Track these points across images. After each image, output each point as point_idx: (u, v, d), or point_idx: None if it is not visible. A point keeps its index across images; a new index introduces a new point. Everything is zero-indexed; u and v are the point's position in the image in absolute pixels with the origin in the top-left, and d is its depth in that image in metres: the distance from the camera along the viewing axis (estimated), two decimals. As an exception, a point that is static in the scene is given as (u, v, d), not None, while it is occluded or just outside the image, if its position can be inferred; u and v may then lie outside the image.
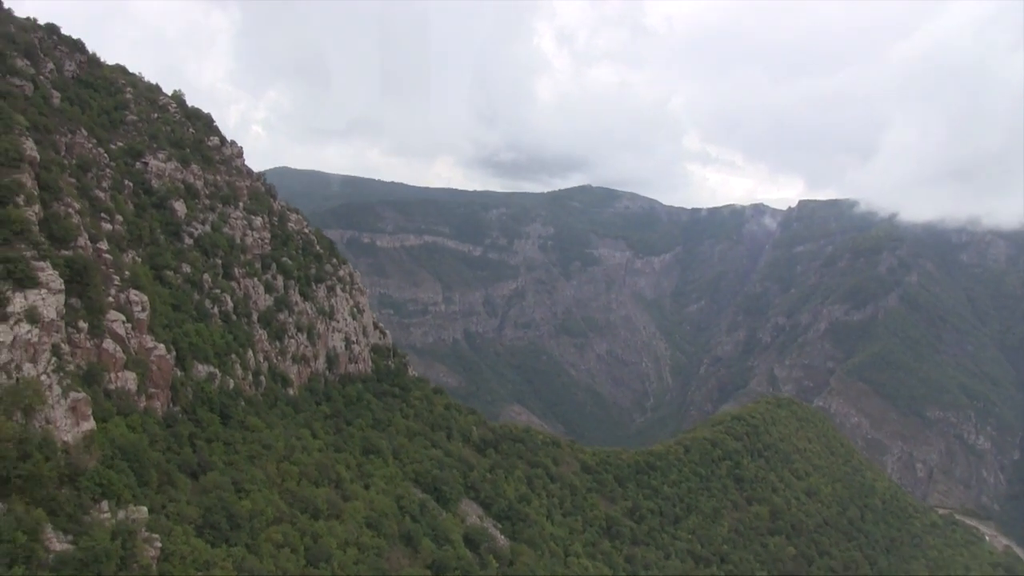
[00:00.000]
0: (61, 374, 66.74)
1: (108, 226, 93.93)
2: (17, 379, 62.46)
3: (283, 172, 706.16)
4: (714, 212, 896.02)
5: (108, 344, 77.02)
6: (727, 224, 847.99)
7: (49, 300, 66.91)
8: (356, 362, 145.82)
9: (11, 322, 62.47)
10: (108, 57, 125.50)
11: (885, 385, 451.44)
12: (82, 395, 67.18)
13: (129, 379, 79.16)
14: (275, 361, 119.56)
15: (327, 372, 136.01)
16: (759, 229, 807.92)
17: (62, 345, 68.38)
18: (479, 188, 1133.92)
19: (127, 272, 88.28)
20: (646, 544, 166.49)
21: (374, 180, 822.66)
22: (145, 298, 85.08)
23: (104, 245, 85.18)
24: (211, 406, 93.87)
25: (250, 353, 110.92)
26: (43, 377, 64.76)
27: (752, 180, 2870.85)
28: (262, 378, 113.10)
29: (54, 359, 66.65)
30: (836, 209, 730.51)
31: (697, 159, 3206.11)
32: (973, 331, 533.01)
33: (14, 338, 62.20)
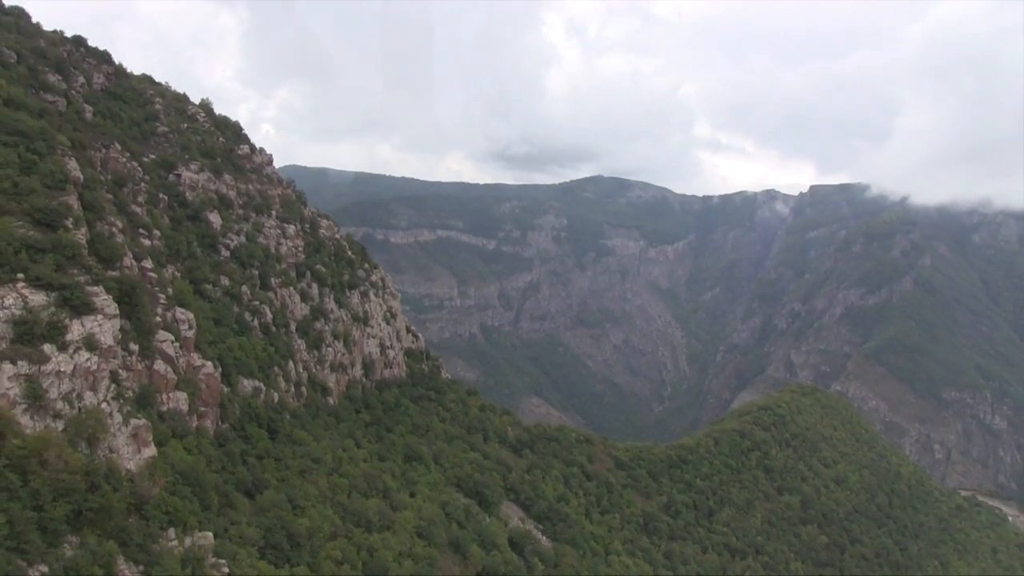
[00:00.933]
0: (121, 401, 65.95)
1: (147, 242, 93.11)
2: (79, 408, 61.68)
3: (294, 170, 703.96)
4: (726, 199, 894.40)
5: (159, 365, 76.22)
6: (739, 211, 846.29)
7: (105, 326, 66.01)
8: (391, 367, 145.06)
9: (70, 350, 61.55)
10: (115, 58, 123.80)
11: (902, 368, 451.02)
12: (142, 421, 66.40)
13: (180, 400, 78.39)
14: (314, 371, 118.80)
15: (364, 379, 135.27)
16: (771, 215, 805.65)
17: (120, 371, 67.53)
18: (490, 181, 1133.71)
19: (171, 289, 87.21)
20: (683, 539, 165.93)
21: (385, 176, 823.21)
22: (191, 316, 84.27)
23: (148, 263, 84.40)
24: (258, 421, 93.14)
25: (291, 364, 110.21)
26: (103, 405, 63.95)
27: (763, 166, 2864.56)
28: (303, 389, 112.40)
29: (113, 386, 65.83)
30: (848, 193, 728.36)
31: (708, 147, 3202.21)
32: (987, 312, 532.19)
33: (74, 367, 61.33)
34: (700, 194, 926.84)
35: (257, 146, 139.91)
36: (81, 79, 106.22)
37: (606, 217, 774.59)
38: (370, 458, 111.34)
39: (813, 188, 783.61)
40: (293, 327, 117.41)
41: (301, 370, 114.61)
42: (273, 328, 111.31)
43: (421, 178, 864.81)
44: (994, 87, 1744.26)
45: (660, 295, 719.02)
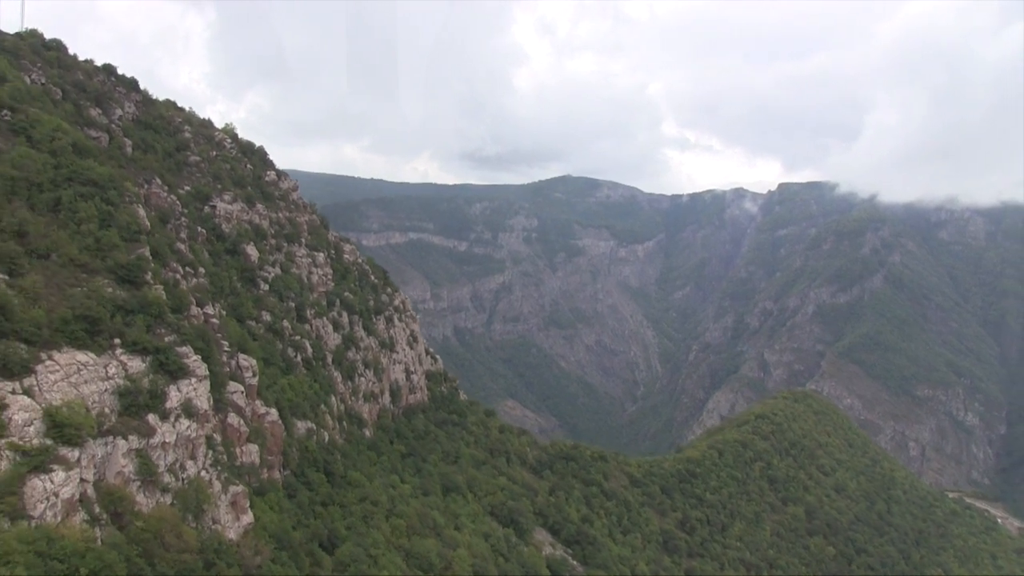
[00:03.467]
0: (219, 468, 64.03)
1: (194, 280, 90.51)
2: (183, 480, 59.72)
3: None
4: (695, 198, 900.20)
5: (232, 418, 74.17)
6: (708, 209, 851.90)
7: (200, 389, 64.15)
8: (415, 392, 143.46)
9: (172, 419, 59.76)
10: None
11: (875, 366, 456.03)
12: (240, 488, 64.61)
13: (253, 452, 76.44)
14: (350, 402, 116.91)
15: (392, 406, 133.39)
16: (741, 213, 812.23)
17: (214, 435, 65.50)
18: (457, 181, 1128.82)
19: (230, 334, 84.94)
20: (701, 556, 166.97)
21: (353, 178, 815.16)
22: (254, 362, 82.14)
23: (210, 309, 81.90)
24: (316, 464, 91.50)
25: (333, 399, 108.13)
26: (203, 473, 62.12)
27: (730, 163, 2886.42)
28: (343, 423, 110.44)
29: (210, 452, 63.95)
30: (817, 191, 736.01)
31: (675, 145, 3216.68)
32: (956, 308, 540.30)
33: (177, 436, 59.49)
34: (668, 192, 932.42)
35: (281, 171, 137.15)
36: (119, 111, 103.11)
37: (576, 217, 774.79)
38: (415, 493, 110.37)
39: (782, 186, 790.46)
40: (329, 359, 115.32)
41: (339, 403, 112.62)
42: (314, 362, 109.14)
43: (389, 179, 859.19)
44: (963, 86, 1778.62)
45: (631, 295, 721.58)
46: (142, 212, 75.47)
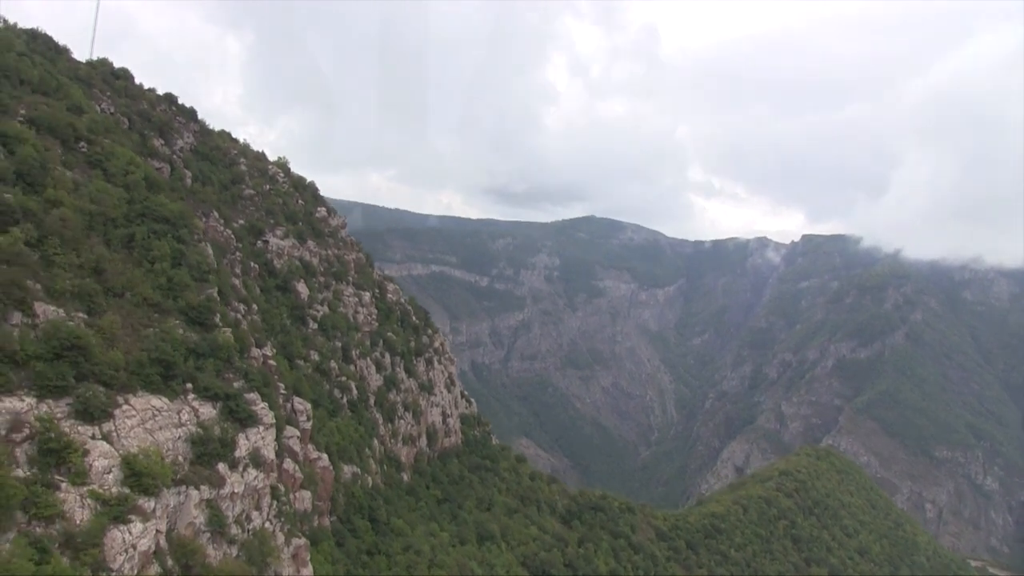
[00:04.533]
0: (282, 520, 63.02)
1: (249, 318, 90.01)
2: (248, 531, 58.73)
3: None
4: (718, 245, 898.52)
5: (288, 464, 73.12)
6: (731, 257, 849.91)
7: (267, 438, 63.42)
8: (450, 435, 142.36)
9: (240, 469, 58.93)
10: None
11: (893, 424, 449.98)
12: (303, 541, 63.58)
13: (306, 499, 75.44)
14: (389, 445, 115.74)
15: (428, 449, 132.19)
16: (763, 263, 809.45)
17: (278, 485, 64.56)
18: (480, 215, 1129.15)
19: (285, 376, 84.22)
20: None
21: (377, 207, 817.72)
22: (308, 406, 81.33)
23: (268, 351, 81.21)
24: (361, 510, 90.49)
25: (375, 442, 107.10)
26: (267, 524, 61.11)
27: (754, 212, 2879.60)
28: (383, 465, 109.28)
29: (274, 503, 62.97)
30: (840, 244, 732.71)
31: (701, 190, 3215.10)
32: (978, 369, 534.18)
33: (244, 487, 58.59)
34: (689, 237, 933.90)
35: (332, 208, 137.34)
36: (180, 142, 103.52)
37: (598, 258, 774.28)
38: (453, 541, 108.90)
39: (805, 237, 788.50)
40: (372, 400, 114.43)
41: (380, 446, 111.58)
42: (357, 404, 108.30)
43: (413, 210, 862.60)
44: (993, 146, 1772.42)
45: (650, 338, 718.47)
46: (210, 251, 75.29)
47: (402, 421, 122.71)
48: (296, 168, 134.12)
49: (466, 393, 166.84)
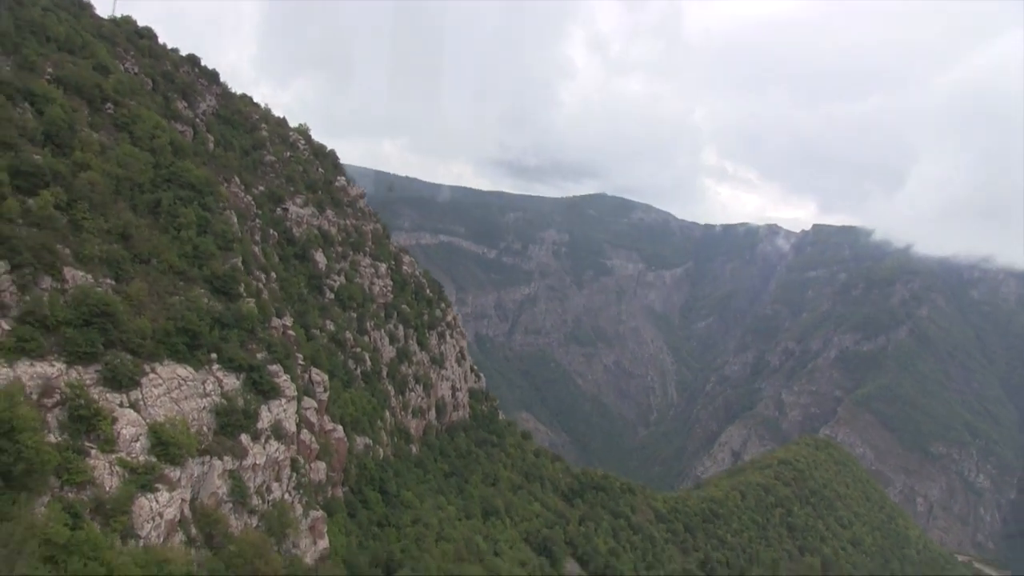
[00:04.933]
0: (301, 492, 63.53)
1: (268, 286, 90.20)
2: (269, 503, 59.27)
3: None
4: (728, 229, 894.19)
5: (304, 435, 73.49)
6: (740, 243, 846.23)
7: (289, 410, 63.81)
8: (458, 409, 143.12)
9: (262, 440, 59.37)
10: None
11: (892, 418, 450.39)
12: (320, 513, 64.19)
13: (320, 470, 75.96)
14: (399, 416, 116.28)
15: (436, 422, 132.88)
16: (772, 250, 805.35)
17: (299, 458, 65.01)
18: (491, 187, 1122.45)
19: (303, 347, 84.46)
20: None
21: (388, 174, 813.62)
22: (325, 377, 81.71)
23: (288, 320, 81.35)
24: (372, 482, 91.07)
25: (387, 413, 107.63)
26: (286, 496, 61.63)
27: (765, 198, 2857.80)
28: (393, 437, 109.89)
29: (293, 475, 63.44)
30: (851, 236, 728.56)
31: (713, 174, 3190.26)
32: (980, 368, 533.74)
33: (266, 458, 59.06)
34: (700, 220, 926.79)
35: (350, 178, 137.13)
36: (203, 106, 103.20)
37: (607, 236, 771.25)
38: (459, 515, 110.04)
39: (816, 227, 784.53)
40: (384, 372, 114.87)
41: (390, 417, 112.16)
42: (371, 375, 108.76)
43: (423, 179, 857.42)
44: (1015, 145, 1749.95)
45: (654, 320, 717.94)
46: (235, 219, 75.30)
47: (413, 394, 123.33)
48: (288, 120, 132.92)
49: (475, 368, 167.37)
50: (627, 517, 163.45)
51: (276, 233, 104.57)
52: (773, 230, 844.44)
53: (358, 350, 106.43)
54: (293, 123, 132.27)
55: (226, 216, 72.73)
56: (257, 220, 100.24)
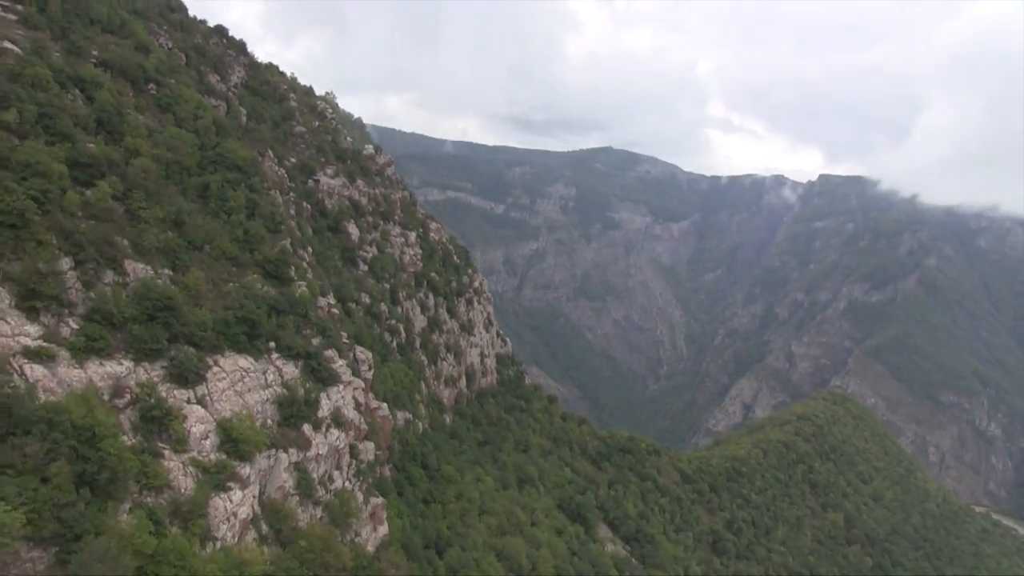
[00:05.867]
0: (360, 479, 63.09)
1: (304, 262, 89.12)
2: (332, 492, 58.86)
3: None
4: (734, 181, 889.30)
5: (353, 415, 72.70)
6: (747, 194, 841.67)
7: (347, 396, 63.18)
8: (487, 375, 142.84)
9: (323, 429, 58.79)
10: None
11: (902, 368, 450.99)
12: (380, 500, 63.84)
13: (370, 450, 75.24)
14: (432, 386, 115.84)
15: (467, 390, 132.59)
16: (779, 201, 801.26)
17: (358, 444, 64.47)
18: (496, 142, 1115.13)
19: (346, 325, 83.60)
20: (747, 559, 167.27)
21: (394, 130, 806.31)
22: (370, 355, 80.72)
23: (331, 299, 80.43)
24: (414, 458, 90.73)
25: (422, 385, 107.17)
26: (347, 484, 61.19)
27: (771, 149, 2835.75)
28: (429, 408, 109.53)
29: (353, 462, 62.97)
30: (858, 186, 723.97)
31: (719, 126, 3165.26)
32: (988, 317, 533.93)
33: (328, 447, 58.52)
34: (706, 172, 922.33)
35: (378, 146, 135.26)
36: (234, 79, 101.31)
37: (614, 190, 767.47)
38: (497, 485, 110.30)
39: (822, 177, 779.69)
40: (417, 343, 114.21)
41: (425, 389, 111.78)
42: (405, 347, 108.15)
43: (429, 135, 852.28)
44: (1019, 94, 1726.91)
45: (662, 273, 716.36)
46: (280, 199, 74.05)
47: (444, 363, 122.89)
48: (317, 89, 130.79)
49: (501, 332, 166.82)
50: (654, 479, 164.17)
51: (309, 206, 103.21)
52: (779, 181, 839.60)
53: (393, 322, 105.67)
54: (301, 82, 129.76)
55: (272, 197, 71.57)
56: (291, 194, 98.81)
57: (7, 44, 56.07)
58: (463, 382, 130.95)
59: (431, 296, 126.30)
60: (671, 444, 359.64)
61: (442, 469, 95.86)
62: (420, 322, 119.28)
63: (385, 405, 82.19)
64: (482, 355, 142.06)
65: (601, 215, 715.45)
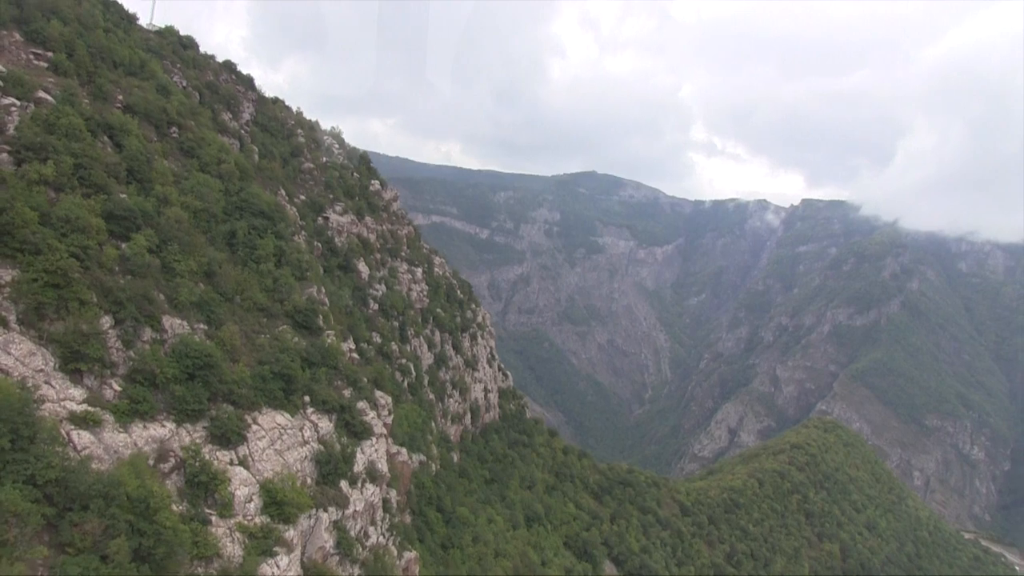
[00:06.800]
0: (394, 533, 62.02)
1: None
2: (367, 548, 57.76)
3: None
4: (718, 205, 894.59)
5: (385, 468, 71.72)
6: (730, 218, 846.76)
7: (380, 449, 62.27)
8: (490, 410, 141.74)
9: (359, 485, 57.78)
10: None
11: (886, 392, 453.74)
12: (413, 554, 62.82)
13: (392, 496, 74.15)
14: (439, 423, 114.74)
15: (471, 426, 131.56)
16: (762, 225, 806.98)
17: (391, 498, 63.44)
18: (480, 166, 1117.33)
19: (367, 369, 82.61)
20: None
21: (378, 154, 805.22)
22: (389, 399, 79.68)
23: (351, 343, 79.50)
24: (429, 499, 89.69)
25: (433, 424, 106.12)
26: (381, 539, 60.12)
27: (753, 173, 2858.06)
28: (439, 448, 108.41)
29: (387, 516, 61.89)
30: (840, 210, 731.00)
31: (702, 150, 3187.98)
32: (970, 340, 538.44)
33: (364, 503, 57.54)
34: (689, 196, 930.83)
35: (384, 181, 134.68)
36: (246, 116, 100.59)
37: (598, 214, 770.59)
38: (508, 526, 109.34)
39: (805, 202, 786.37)
40: (426, 380, 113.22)
41: (435, 427, 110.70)
42: (416, 386, 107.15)
43: (412, 158, 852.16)
44: (1001, 119, 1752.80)
45: (647, 297, 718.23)
46: (305, 246, 73.22)
47: (451, 400, 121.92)
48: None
49: (503, 366, 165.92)
50: (654, 512, 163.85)
51: (320, 244, 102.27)
52: (763, 205, 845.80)
53: (403, 361, 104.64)
54: (283, 104, 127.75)
55: (297, 244, 70.70)
56: (302, 232, 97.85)
57: (41, 94, 55.18)
58: (468, 418, 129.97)
59: (437, 332, 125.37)
60: (657, 469, 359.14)
61: (457, 512, 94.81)
62: (427, 359, 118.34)
63: (404, 450, 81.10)
64: (485, 390, 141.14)
65: (585, 239, 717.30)
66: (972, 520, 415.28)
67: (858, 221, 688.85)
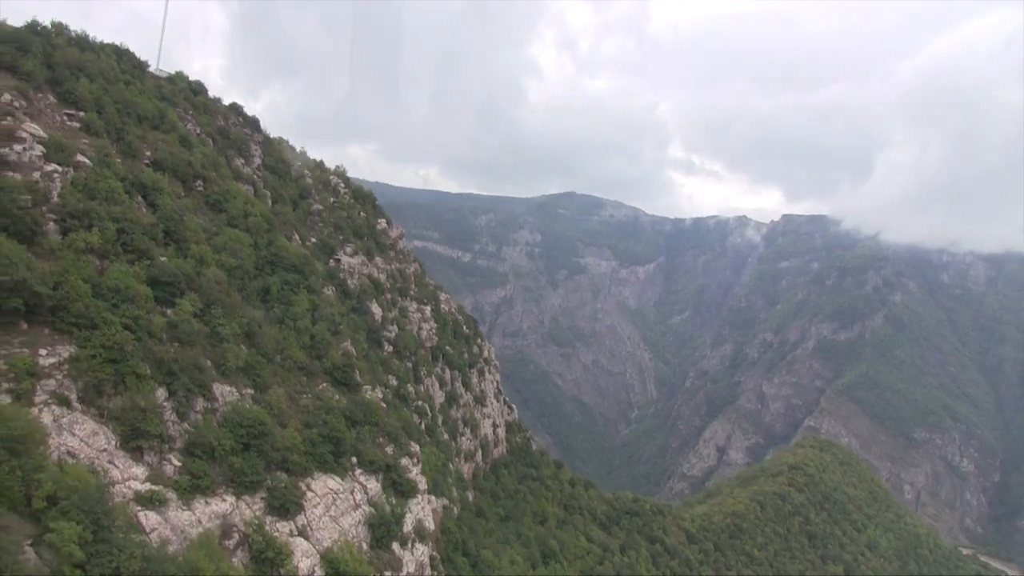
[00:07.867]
0: (441, 590, 61.09)
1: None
2: (418, 612, 56.86)
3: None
4: (698, 223, 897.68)
5: (432, 525, 70.88)
6: (711, 235, 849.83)
7: (426, 508, 61.51)
8: (498, 445, 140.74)
9: (409, 546, 56.98)
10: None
11: (873, 406, 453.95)
12: (459, 611, 61.54)
13: (424, 552, 73.00)
14: (454, 462, 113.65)
15: (482, 462, 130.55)
16: (743, 242, 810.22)
17: (435, 554, 62.50)
18: (459, 189, 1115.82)
19: (394, 417, 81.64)
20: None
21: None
22: (417, 449, 78.56)
23: (379, 393, 78.54)
24: (455, 545, 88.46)
25: (451, 465, 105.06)
26: (428, 599, 59.11)
27: (732, 189, 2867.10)
28: (458, 488, 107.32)
29: (434, 574, 60.89)
30: (820, 225, 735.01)
31: (681, 168, 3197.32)
32: (954, 352, 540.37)
33: (415, 564, 56.65)
34: (669, 214, 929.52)
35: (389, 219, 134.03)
36: (257, 160, 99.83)
37: (579, 235, 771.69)
38: (527, 565, 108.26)
39: (785, 217, 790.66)
40: (440, 420, 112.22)
41: (453, 469, 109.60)
42: (433, 427, 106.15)
43: (392, 183, 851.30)
44: (979, 132, 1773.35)
45: (630, 316, 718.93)
46: (334, 296, 72.45)
47: (463, 438, 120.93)
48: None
49: (508, 399, 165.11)
50: (662, 541, 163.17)
51: (333, 287, 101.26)
52: (743, 222, 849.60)
53: (420, 403, 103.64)
54: (287, 143, 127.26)
55: (328, 297, 69.96)
56: (316, 276, 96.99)
57: (80, 158, 54.32)
58: (479, 455, 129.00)
59: (447, 370, 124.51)
60: (647, 489, 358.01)
61: (481, 555, 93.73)
62: (439, 398, 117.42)
63: (433, 497, 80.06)
64: (494, 425, 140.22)
65: (567, 260, 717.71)
66: (964, 533, 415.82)
67: (839, 235, 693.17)
